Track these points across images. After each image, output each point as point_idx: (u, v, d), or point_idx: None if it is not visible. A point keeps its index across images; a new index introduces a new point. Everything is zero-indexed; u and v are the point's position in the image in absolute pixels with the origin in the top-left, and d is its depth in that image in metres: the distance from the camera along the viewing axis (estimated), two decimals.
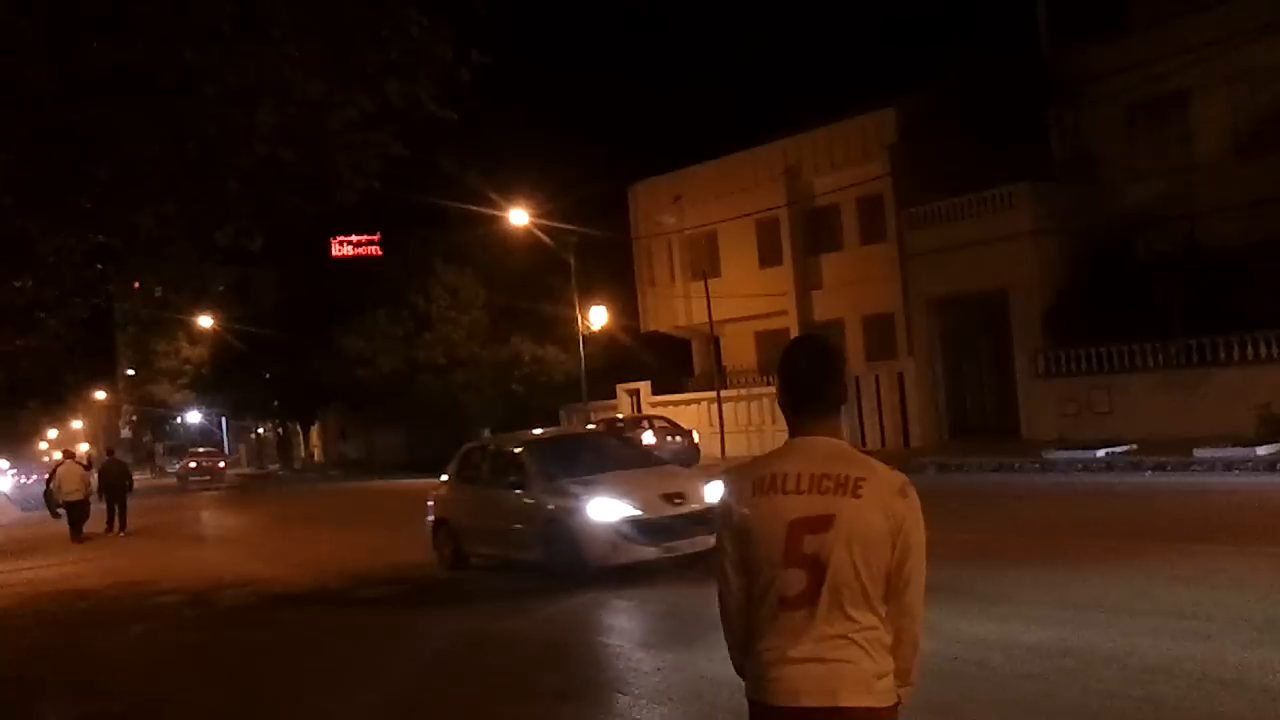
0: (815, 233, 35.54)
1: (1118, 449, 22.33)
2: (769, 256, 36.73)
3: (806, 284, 35.77)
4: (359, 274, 51.57)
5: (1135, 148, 28.20)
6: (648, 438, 31.22)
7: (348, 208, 12.18)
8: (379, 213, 44.40)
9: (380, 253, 56.12)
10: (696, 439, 33.11)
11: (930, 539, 3.03)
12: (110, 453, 31.45)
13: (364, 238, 57.30)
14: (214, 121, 9.59)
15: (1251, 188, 25.36)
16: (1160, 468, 19.88)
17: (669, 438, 31.63)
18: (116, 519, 26.76)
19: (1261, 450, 19.39)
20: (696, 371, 40.19)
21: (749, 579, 3.01)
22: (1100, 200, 27.82)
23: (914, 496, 3.03)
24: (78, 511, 25.80)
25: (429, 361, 42.32)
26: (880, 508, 2.96)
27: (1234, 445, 19.88)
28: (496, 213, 38.14)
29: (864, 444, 31.57)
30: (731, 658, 3.15)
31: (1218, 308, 23.99)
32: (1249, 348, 23.60)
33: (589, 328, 39.15)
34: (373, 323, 44.68)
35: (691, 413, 37.29)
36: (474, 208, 38.74)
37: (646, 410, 39.19)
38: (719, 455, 34.30)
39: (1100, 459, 21.70)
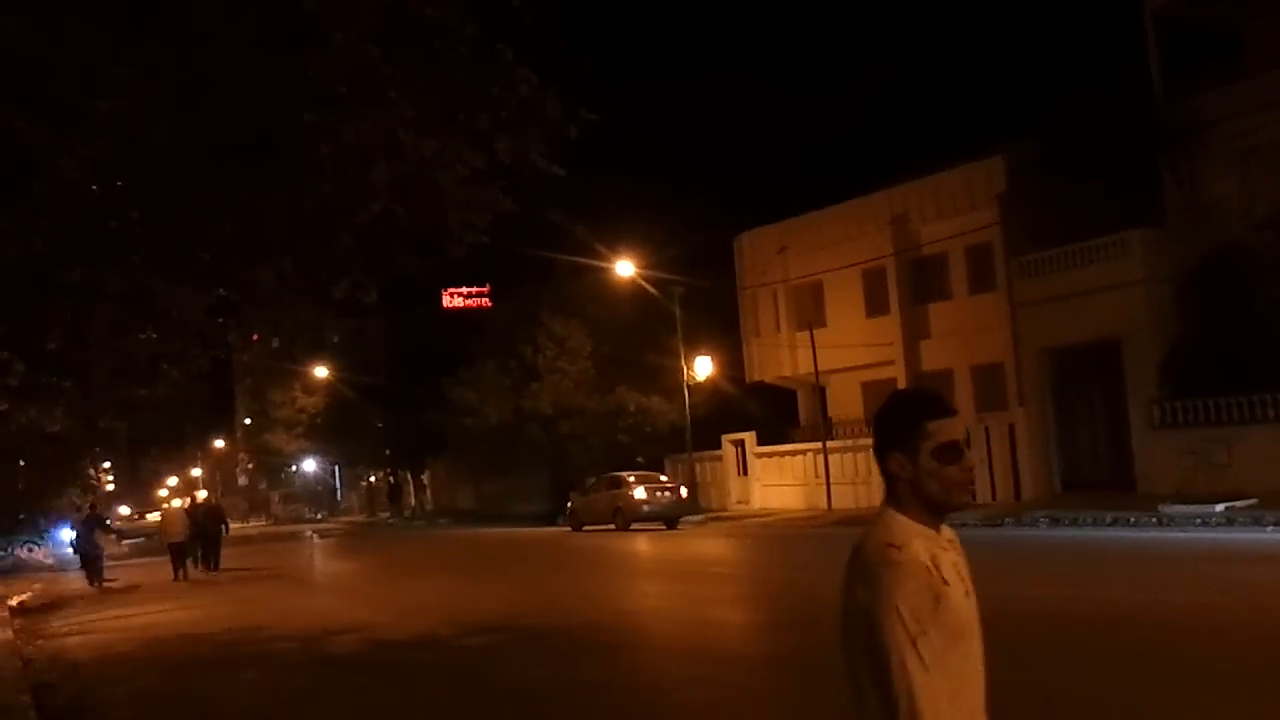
0: (922, 282, 35.23)
1: (1238, 503, 21.66)
2: (876, 306, 36.48)
3: (914, 334, 35.41)
4: (469, 325, 52.42)
5: (1251, 193, 27.51)
6: (639, 493, 34.16)
7: (459, 260, 12.43)
8: (489, 264, 45.25)
9: (490, 304, 57.14)
10: (684, 494, 35.50)
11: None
12: (208, 501, 35.78)
13: (474, 289, 58.46)
14: (330, 180, 9.92)
15: None
16: None
17: (659, 493, 34.76)
18: (210, 559, 30.21)
19: None
20: (802, 422, 39.97)
21: None
22: (1215, 247, 27.15)
23: (883, 581, 2.53)
24: (179, 551, 28.81)
25: (536, 411, 42.72)
26: (849, 589, 2.60)
27: None
28: (603, 264, 38.60)
29: (974, 496, 31.01)
30: None
31: None
32: None
33: (694, 378, 39.25)
34: (481, 373, 45.29)
35: (797, 464, 37.08)
36: (581, 259, 39.31)
37: (752, 461, 39.10)
38: (825, 507, 34.04)
39: (1220, 514, 21.08)
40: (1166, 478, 26.09)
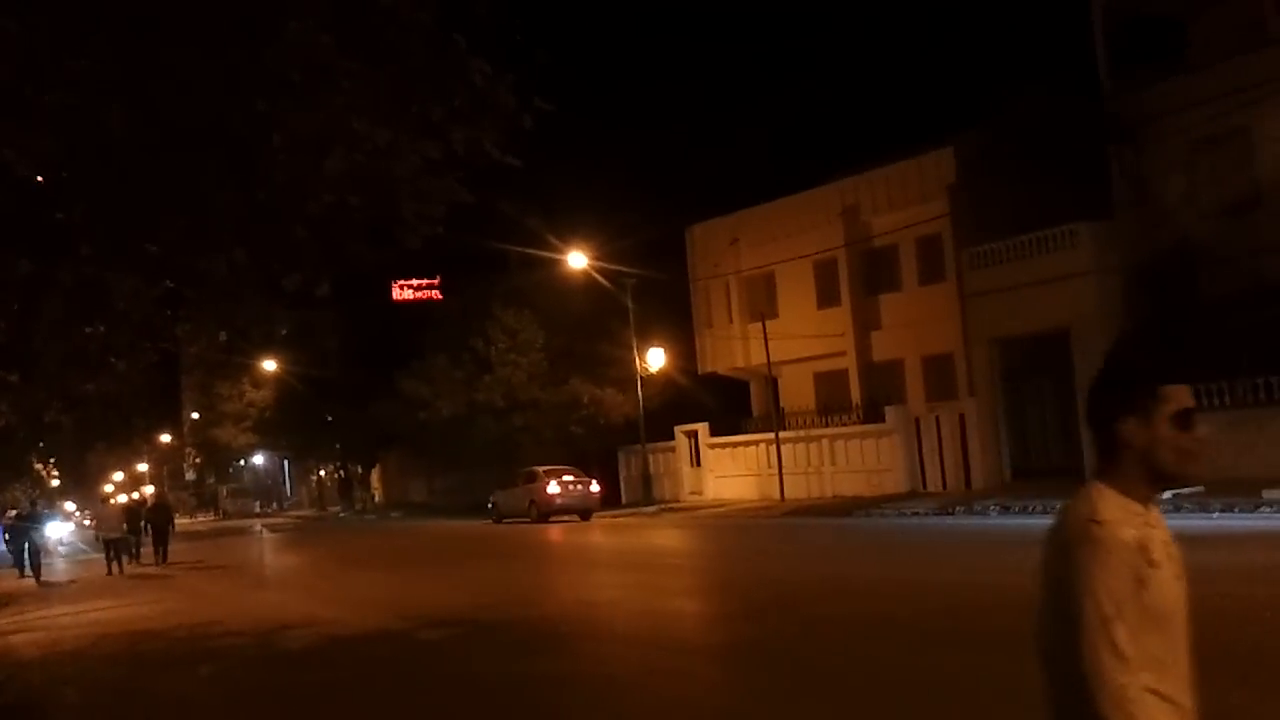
0: (873, 273, 35.45)
1: (1184, 490, 21.99)
2: (827, 297, 36.67)
3: (865, 324, 35.64)
4: (419, 318, 52.11)
5: (1197, 185, 27.89)
6: (552, 487, 35.70)
7: (409, 252, 12.34)
8: (439, 257, 44.99)
9: (440, 296, 56.79)
10: (595, 489, 36.65)
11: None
12: (159, 496, 37.42)
13: (424, 281, 58.03)
14: (284, 169, 9.81)
15: None
16: (1228, 509, 19.57)
17: (571, 486, 36.19)
18: (160, 552, 30.49)
19: None
20: (755, 413, 40.12)
21: None
22: (1163, 238, 27.52)
23: (1081, 558, 2.41)
24: (115, 547, 29.02)
25: (488, 404, 42.57)
26: (1045, 564, 2.49)
27: None
28: (555, 256, 38.49)
29: (924, 485, 31.34)
30: None
31: None
32: None
33: (647, 369, 39.27)
34: (433, 366, 45.07)
35: (750, 454, 37.21)
36: (533, 251, 39.20)
37: (705, 452, 39.21)
38: (778, 498, 34.18)
39: (1167, 500, 21.36)
40: None
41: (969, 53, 54.07)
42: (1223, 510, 19.63)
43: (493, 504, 38.98)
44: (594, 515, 35.67)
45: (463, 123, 10.23)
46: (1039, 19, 44.48)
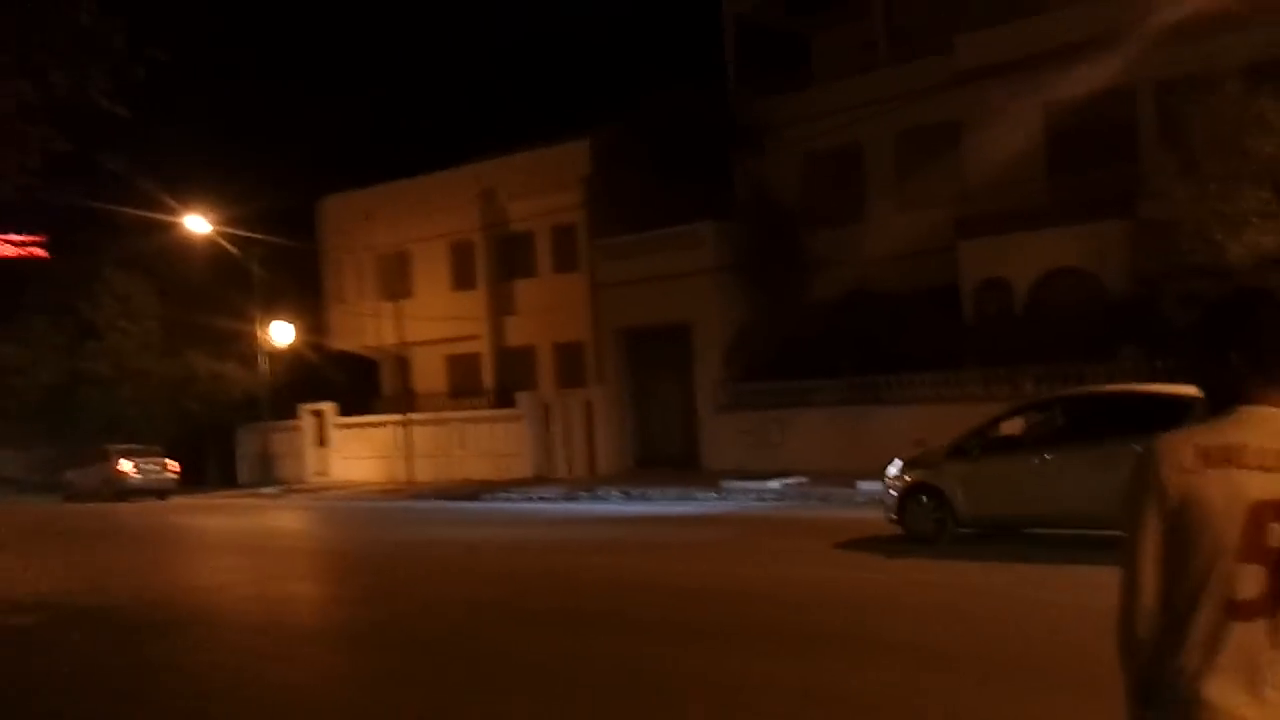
0: (509, 258, 35.62)
1: (790, 480, 23.41)
2: (462, 280, 36.54)
3: (499, 309, 35.78)
4: (19, 276, 47.85)
5: (812, 193, 29.71)
6: (125, 465, 35.53)
7: (8, 204, 11.22)
8: (49, 213, 41.46)
9: (46, 255, 52.37)
10: (173, 469, 36.66)
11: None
12: None
13: (26, 238, 53.29)
14: None
15: (913, 239, 27.19)
16: (826, 499, 20.97)
17: (148, 466, 36.06)
18: None
19: None
20: (385, 393, 39.46)
21: (1171, 573, 2.42)
22: (780, 242, 29.12)
23: None
24: None
25: (94, 373, 39.71)
26: None
27: None
28: (173, 219, 36.27)
29: (553, 471, 31.84)
30: (1127, 679, 2.49)
31: (882, 349, 25.58)
32: (908, 387, 25.26)
33: (269, 343, 37.83)
34: (30, 328, 41.64)
35: (379, 436, 36.55)
36: (150, 214, 36.71)
37: (332, 432, 38.21)
38: (407, 480, 33.77)
39: (774, 489, 22.69)
40: (728, 455, 27.80)
41: (610, 49, 55.45)
42: (821, 500, 21.00)
43: (68, 482, 37.76)
44: (170, 496, 35.25)
45: (66, 65, 9.35)
46: (677, 22, 46.19)
